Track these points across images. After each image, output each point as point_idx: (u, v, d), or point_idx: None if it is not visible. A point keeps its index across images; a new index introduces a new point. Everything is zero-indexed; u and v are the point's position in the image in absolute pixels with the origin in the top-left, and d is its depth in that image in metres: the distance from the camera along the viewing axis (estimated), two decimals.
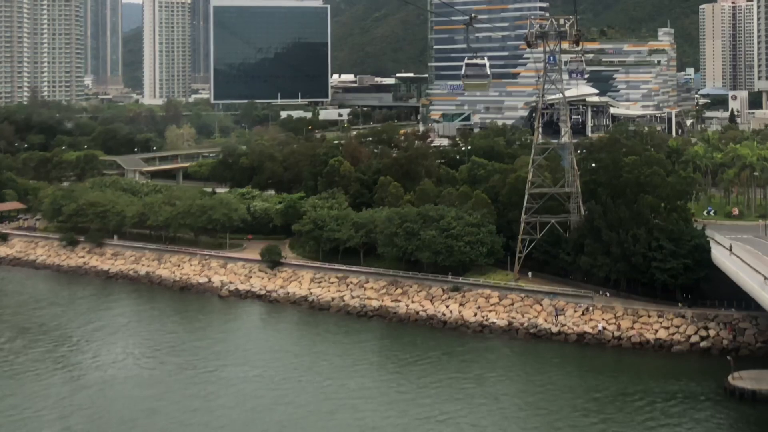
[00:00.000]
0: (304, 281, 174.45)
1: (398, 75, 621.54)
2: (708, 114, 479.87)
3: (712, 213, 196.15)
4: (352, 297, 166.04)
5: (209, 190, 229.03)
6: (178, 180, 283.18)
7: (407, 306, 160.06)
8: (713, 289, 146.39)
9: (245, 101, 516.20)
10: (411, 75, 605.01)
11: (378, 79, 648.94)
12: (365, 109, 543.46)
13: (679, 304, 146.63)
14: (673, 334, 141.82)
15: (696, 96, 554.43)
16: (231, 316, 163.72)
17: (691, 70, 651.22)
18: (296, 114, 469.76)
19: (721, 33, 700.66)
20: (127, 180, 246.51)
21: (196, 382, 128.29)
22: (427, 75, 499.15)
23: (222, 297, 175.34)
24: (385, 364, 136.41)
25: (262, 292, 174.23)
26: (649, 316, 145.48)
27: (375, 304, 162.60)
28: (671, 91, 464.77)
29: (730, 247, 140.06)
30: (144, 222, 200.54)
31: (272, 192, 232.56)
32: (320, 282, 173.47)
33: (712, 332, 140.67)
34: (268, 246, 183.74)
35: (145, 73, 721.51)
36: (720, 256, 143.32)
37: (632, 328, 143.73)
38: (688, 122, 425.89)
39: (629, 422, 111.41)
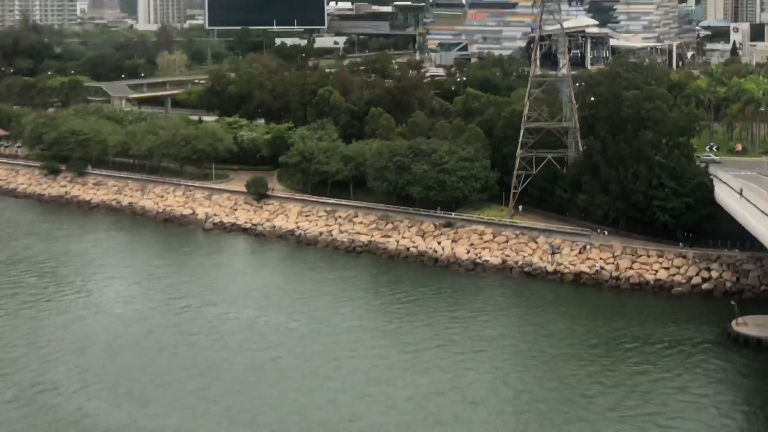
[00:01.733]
0: (291, 215, 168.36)
1: (396, 3, 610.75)
2: (709, 46, 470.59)
3: (714, 149, 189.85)
4: (341, 232, 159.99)
5: (196, 118, 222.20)
6: (166, 108, 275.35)
7: (397, 242, 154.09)
8: (716, 229, 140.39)
9: (240, 28, 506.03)
10: (409, 3, 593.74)
11: (375, 8, 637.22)
12: (362, 37, 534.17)
13: (680, 244, 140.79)
14: (674, 275, 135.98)
15: (697, 28, 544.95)
16: (215, 251, 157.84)
17: (692, 2, 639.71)
18: (291, 41, 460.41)
19: None
20: (112, 108, 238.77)
21: (183, 320, 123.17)
22: (424, 3, 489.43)
23: (206, 230, 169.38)
24: (373, 303, 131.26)
25: (248, 226, 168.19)
26: (649, 256, 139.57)
27: (364, 239, 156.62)
28: (672, 22, 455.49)
29: (741, 190, 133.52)
30: (127, 151, 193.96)
31: (262, 121, 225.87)
32: (308, 216, 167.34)
33: (714, 274, 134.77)
34: (254, 178, 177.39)
35: None
36: (725, 195, 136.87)
37: (631, 268, 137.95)
38: (689, 54, 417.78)
39: (627, 369, 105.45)
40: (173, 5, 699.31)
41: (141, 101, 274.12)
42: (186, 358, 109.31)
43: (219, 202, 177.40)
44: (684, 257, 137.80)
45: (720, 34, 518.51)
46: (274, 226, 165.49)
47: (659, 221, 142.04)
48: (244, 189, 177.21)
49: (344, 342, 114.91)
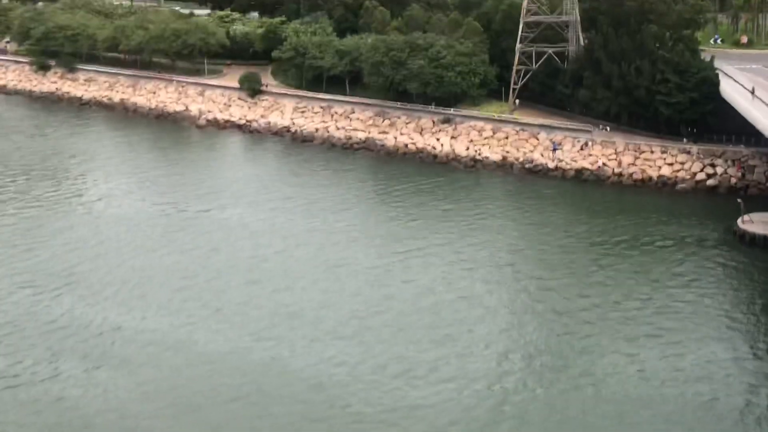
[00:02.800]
0: (286, 111, 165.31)
1: None
2: None
3: (719, 41, 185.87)
4: (337, 128, 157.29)
5: (187, 11, 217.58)
6: (158, 1, 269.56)
7: (395, 138, 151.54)
8: (720, 124, 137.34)
9: None
10: None
11: None
12: None
13: (684, 140, 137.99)
14: (678, 171, 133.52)
15: None
16: (209, 148, 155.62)
17: None
18: None
19: None
20: (101, 1, 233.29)
21: (173, 220, 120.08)
22: None
23: (200, 126, 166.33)
24: (371, 200, 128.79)
25: (242, 122, 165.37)
26: (652, 152, 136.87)
27: (361, 135, 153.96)
28: None
29: (753, 90, 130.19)
30: (117, 46, 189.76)
31: (255, 14, 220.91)
32: (303, 112, 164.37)
33: (719, 170, 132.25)
34: (247, 73, 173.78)
35: None
36: (731, 91, 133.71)
37: (634, 164, 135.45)
38: None
39: (629, 268, 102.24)
40: None
41: None
42: (176, 259, 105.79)
43: (212, 98, 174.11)
44: (688, 153, 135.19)
45: None
46: (269, 123, 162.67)
47: (662, 117, 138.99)
48: (237, 85, 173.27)
49: (338, 240, 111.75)
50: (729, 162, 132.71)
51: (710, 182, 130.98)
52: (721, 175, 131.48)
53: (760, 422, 69.30)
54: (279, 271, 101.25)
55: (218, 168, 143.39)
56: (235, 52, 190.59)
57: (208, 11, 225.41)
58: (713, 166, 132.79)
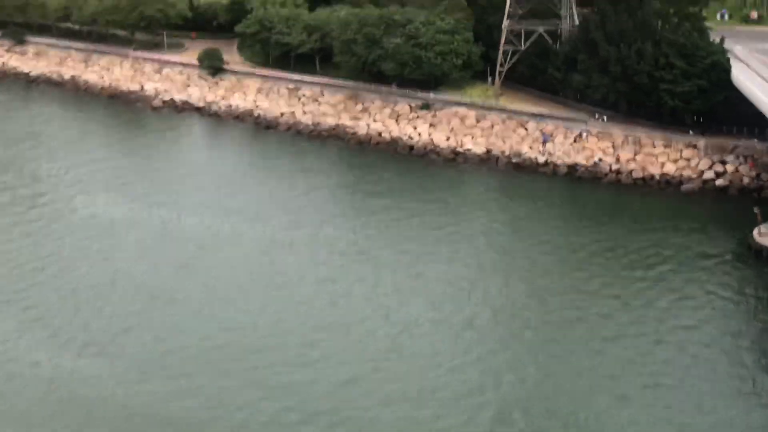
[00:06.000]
0: (249, 92, 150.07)
1: None
2: None
3: (726, 17, 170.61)
4: (305, 113, 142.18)
5: None
6: None
7: (368, 126, 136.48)
8: (730, 113, 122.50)
9: None
10: None
11: None
12: None
13: (690, 132, 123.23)
14: (683, 168, 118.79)
15: None
16: (160, 137, 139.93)
17: None
18: None
19: None
20: None
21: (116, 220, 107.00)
22: None
23: (155, 108, 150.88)
24: (339, 200, 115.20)
25: (201, 104, 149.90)
26: (654, 146, 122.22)
27: (331, 121, 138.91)
28: None
29: None
30: (69, 17, 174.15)
31: None
32: (268, 94, 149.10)
33: (729, 167, 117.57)
34: (208, 50, 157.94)
35: None
36: (745, 78, 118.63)
37: (633, 160, 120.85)
38: None
39: (628, 284, 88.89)
40: None
41: None
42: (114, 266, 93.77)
43: (170, 76, 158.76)
44: (694, 147, 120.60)
45: None
46: (230, 106, 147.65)
47: (666, 107, 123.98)
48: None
49: (292, 251, 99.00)
50: (741, 158, 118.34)
51: (719, 182, 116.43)
52: (732, 173, 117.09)
53: None
54: (227, 285, 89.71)
55: (165, 163, 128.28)
56: (200, 24, 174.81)
57: None
58: (723, 163, 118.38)
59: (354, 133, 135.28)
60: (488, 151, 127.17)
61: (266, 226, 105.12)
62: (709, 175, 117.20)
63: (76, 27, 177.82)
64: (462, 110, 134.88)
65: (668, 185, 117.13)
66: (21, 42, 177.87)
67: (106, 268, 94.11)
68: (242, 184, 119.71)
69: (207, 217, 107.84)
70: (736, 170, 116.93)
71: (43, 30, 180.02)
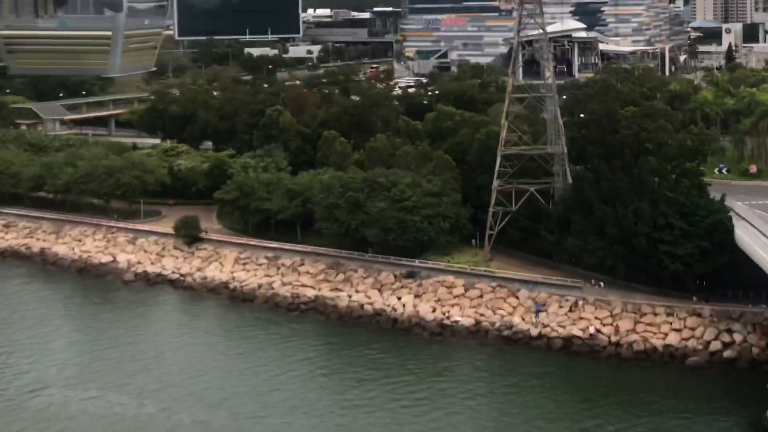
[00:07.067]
0: (226, 262, 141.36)
1: (375, 9, 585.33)
2: (701, 48, 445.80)
3: (724, 171, 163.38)
4: (283, 284, 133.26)
5: (132, 142, 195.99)
6: (109, 129, 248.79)
7: (350, 297, 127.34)
8: (735, 274, 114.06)
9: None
10: (388, 9, 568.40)
11: (354, 14, 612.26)
12: (338, 45, 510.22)
13: (694, 298, 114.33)
14: (687, 339, 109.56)
15: (688, 29, 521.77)
16: (130, 313, 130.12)
17: (680, 3, 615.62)
18: (262, 51, 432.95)
19: None
20: (35, 133, 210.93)
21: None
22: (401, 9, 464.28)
23: (126, 282, 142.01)
24: (316, 380, 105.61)
25: (175, 276, 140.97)
26: (656, 314, 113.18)
27: (310, 293, 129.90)
28: (663, 25, 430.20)
29: None
30: (42, 186, 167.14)
31: (210, 144, 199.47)
32: (246, 264, 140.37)
33: (737, 337, 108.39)
34: (184, 218, 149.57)
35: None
36: (749, 239, 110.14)
37: (634, 330, 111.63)
38: (682, 58, 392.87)
39: None
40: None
41: (81, 123, 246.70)
42: None
43: (145, 246, 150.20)
44: (699, 315, 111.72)
45: (711, 35, 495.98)
46: (206, 277, 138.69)
47: (667, 270, 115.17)
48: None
49: None
50: (749, 327, 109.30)
51: (727, 353, 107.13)
52: (740, 344, 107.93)
53: None
54: None
55: (129, 344, 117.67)
56: (178, 190, 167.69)
57: (157, 141, 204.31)
58: (730, 332, 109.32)
59: (335, 306, 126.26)
60: (477, 323, 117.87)
61: (231, 414, 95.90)
62: (715, 346, 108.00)
63: (50, 196, 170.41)
64: (449, 278, 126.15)
65: (672, 358, 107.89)
66: None
67: None
68: (211, 365, 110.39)
69: (168, 404, 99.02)
70: (745, 340, 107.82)
71: (14, 200, 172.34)
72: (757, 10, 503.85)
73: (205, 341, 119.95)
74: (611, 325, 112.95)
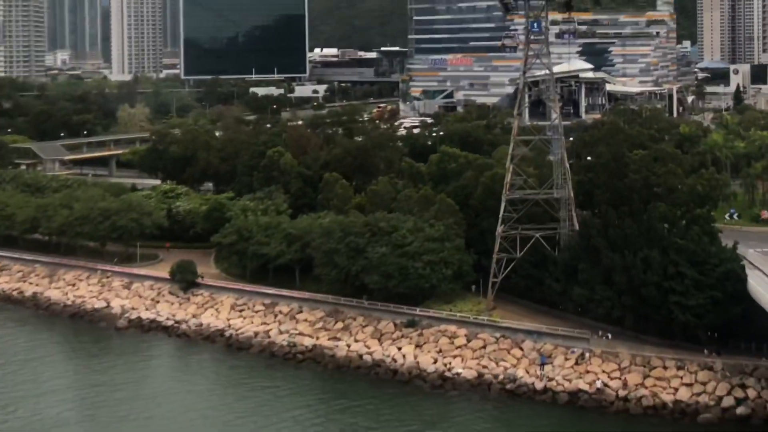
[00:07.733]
0: (222, 309, 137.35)
1: (382, 49, 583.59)
2: (709, 89, 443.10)
3: (735, 216, 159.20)
4: (280, 332, 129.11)
5: (131, 184, 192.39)
6: (110, 170, 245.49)
7: (348, 346, 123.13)
8: (746, 326, 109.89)
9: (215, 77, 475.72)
10: (395, 49, 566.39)
11: (360, 54, 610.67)
12: (344, 85, 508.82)
13: (705, 351, 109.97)
14: (699, 394, 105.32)
15: (695, 70, 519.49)
16: (123, 360, 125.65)
17: (687, 43, 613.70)
18: (268, 91, 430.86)
19: (720, 4, 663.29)
20: (33, 174, 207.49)
21: None
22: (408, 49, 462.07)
23: (119, 329, 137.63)
24: None
25: (169, 323, 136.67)
26: (666, 368, 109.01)
27: (308, 342, 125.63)
28: (671, 65, 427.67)
29: None
30: (37, 228, 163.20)
31: (210, 186, 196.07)
32: (242, 310, 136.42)
33: (751, 392, 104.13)
34: (180, 262, 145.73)
35: (113, 47, 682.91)
36: (763, 289, 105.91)
37: (643, 384, 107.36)
38: (689, 99, 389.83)
39: None
40: (149, 54, 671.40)
41: (82, 163, 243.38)
42: None
43: (140, 291, 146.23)
44: (711, 369, 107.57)
45: (719, 75, 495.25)
46: (201, 324, 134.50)
47: (678, 321, 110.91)
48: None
49: None
50: (763, 381, 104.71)
51: (741, 410, 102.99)
52: (754, 399, 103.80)
53: None
54: None
55: (120, 396, 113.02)
56: (176, 233, 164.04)
57: (158, 182, 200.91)
58: (743, 387, 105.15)
59: (333, 356, 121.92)
60: (480, 376, 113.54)
61: None
62: (728, 401, 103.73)
63: (45, 238, 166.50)
64: (451, 327, 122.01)
65: (683, 415, 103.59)
66: None
67: None
68: (204, 416, 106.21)
69: None
70: (759, 396, 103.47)
71: (8, 243, 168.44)
72: (765, 51, 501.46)
73: (198, 392, 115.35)
74: (619, 378, 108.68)
